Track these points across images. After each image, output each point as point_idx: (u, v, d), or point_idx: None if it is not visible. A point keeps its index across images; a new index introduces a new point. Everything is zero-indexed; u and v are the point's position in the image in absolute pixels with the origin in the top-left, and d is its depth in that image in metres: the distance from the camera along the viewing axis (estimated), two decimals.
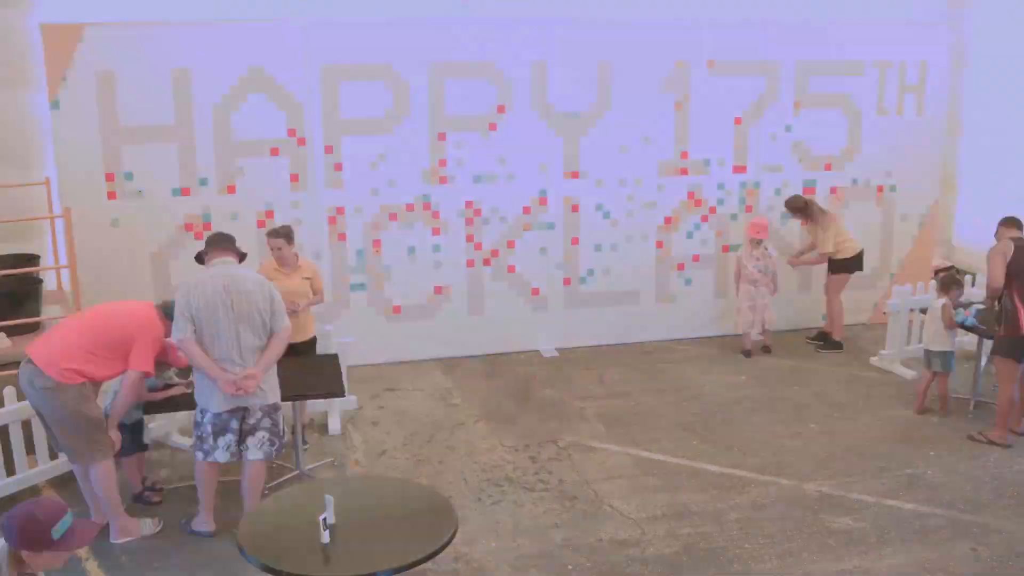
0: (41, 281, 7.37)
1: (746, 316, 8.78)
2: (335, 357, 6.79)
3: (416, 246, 8.59)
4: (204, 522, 5.69)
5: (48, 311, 7.41)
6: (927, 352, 7.41)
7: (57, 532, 3.11)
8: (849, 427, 7.26)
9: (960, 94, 10.37)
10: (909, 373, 8.29)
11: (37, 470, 6.16)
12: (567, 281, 9.02)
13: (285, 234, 6.72)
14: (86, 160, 7.72)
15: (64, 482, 6.32)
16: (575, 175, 8.81)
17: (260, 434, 5.46)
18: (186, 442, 6.89)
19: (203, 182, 8.04)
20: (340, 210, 8.36)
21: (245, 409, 5.42)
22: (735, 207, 9.26)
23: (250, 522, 4.34)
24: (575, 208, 8.86)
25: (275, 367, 5.53)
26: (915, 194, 9.69)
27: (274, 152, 8.14)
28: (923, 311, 8.08)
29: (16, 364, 6.83)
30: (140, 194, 7.90)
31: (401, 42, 8.20)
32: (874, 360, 8.60)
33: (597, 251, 8.98)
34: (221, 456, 5.45)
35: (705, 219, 9.20)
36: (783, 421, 7.38)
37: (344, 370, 6.73)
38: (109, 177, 7.82)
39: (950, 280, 7.43)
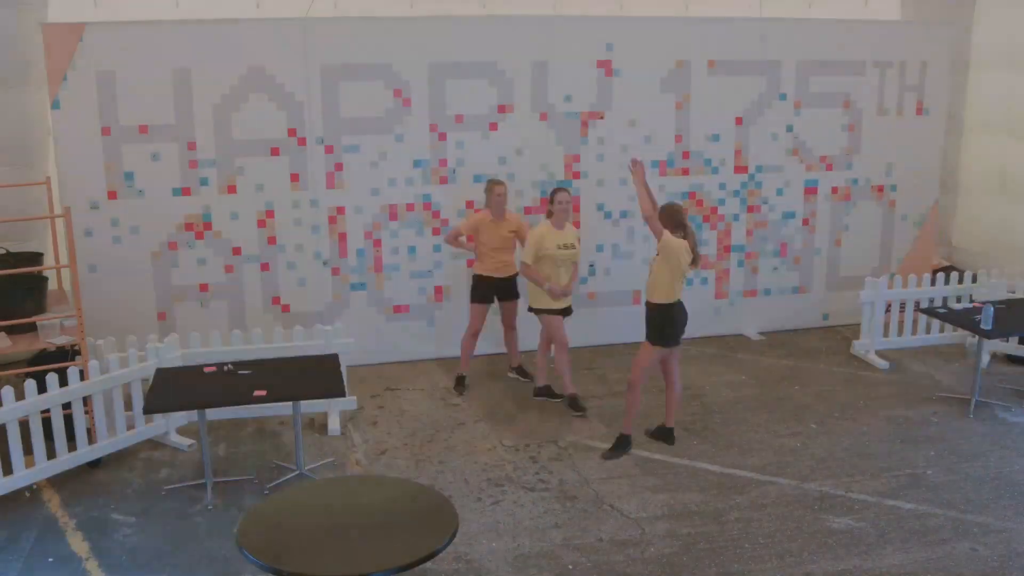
0: (46, 279, 7.37)
1: None
2: (335, 357, 6.79)
3: (416, 246, 8.59)
4: None
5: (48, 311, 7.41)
6: None
7: None
8: (849, 427, 7.26)
9: (960, 94, 10.36)
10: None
11: (35, 469, 6.16)
12: None
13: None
14: (86, 160, 7.73)
15: (62, 482, 6.32)
16: (576, 175, 8.80)
17: None
18: (185, 442, 6.89)
19: (203, 182, 8.04)
20: (340, 210, 8.35)
21: None
22: (736, 207, 9.26)
23: (250, 522, 4.34)
24: (576, 208, 8.86)
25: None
26: (915, 194, 9.69)
27: (274, 152, 8.14)
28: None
29: (16, 364, 6.85)
30: (140, 194, 7.91)
31: (401, 42, 8.20)
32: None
33: (597, 251, 8.98)
34: None
35: (706, 219, 9.20)
36: (783, 421, 7.38)
37: (344, 370, 6.73)
38: (109, 177, 7.83)
39: None
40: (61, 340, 6.69)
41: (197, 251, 8.12)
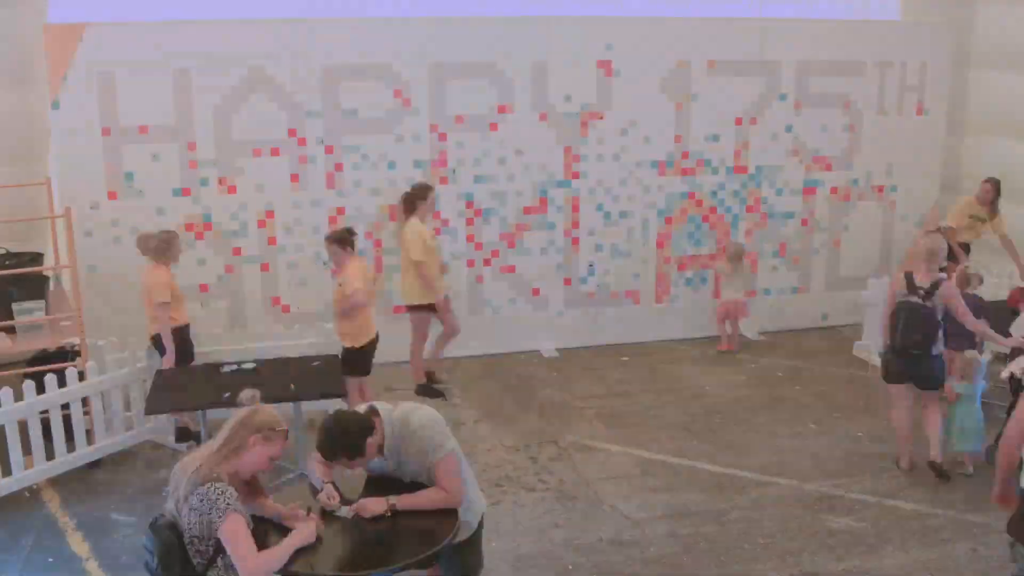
0: (46, 279, 7.37)
1: None
2: (335, 357, 6.79)
3: None
4: None
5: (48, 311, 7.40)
6: None
7: None
8: (849, 427, 7.26)
9: (960, 94, 10.35)
10: None
11: (34, 470, 6.16)
12: (567, 281, 9.02)
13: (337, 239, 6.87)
14: (86, 160, 7.73)
15: (62, 482, 6.32)
16: (575, 175, 8.80)
17: None
18: (182, 444, 6.88)
19: (203, 182, 8.03)
20: (340, 210, 8.35)
21: None
22: (736, 207, 9.26)
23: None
24: (575, 208, 8.86)
25: None
26: (915, 194, 9.69)
27: (274, 152, 8.14)
28: None
29: (16, 364, 6.85)
30: (140, 194, 7.90)
31: (401, 42, 8.20)
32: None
33: (597, 251, 8.98)
34: None
35: (705, 219, 9.20)
36: (783, 421, 7.38)
37: None
38: (109, 177, 7.82)
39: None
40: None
41: (197, 251, 8.12)
